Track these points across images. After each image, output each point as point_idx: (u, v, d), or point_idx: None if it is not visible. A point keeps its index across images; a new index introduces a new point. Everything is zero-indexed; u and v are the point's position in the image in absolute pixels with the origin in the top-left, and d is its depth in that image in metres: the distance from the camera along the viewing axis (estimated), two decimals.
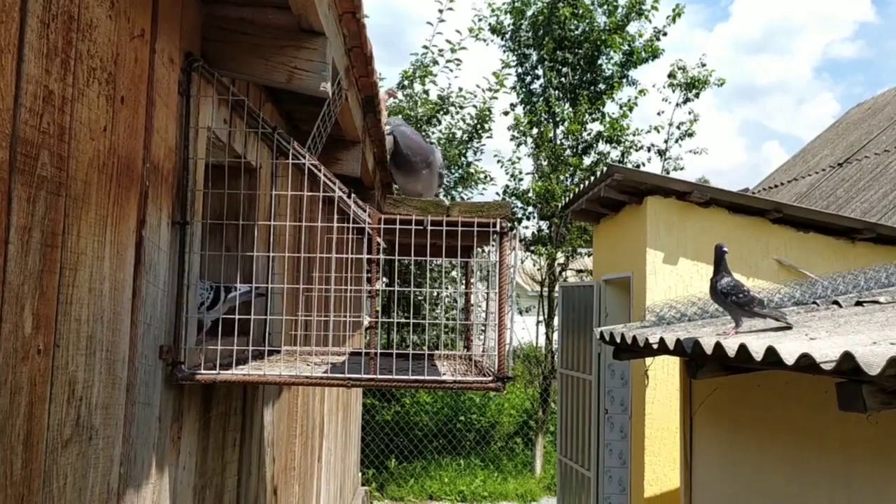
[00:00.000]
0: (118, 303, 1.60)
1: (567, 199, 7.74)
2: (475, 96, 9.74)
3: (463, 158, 10.73)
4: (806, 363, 2.46)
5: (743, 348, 2.84)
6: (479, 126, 10.37)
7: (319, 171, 1.97)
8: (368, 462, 10.53)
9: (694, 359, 3.52)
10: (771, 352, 2.65)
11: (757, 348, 2.77)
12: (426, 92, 9.43)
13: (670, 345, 3.60)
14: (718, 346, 3.05)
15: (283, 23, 2.08)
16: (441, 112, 9.35)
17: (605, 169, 5.97)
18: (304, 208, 2.13)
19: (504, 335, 1.92)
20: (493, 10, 12.20)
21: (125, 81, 1.59)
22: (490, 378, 1.93)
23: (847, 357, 2.20)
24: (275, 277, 3.04)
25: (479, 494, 10.27)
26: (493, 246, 1.93)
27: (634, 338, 4.06)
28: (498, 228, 1.94)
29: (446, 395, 11.89)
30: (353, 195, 1.94)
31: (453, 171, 10.55)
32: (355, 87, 2.89)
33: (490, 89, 9.84)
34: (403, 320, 8.42)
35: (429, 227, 1.93)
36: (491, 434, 12.25)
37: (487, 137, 10.78)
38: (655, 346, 3.78)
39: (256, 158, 2.56)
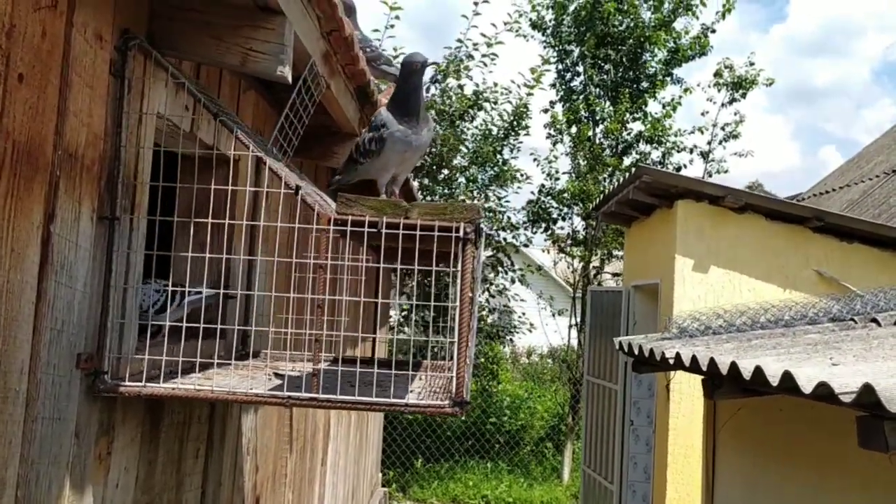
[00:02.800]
0: (13, 307, 1.42)
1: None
2: (510, 92, 9.47)
3: (499, 156, 10.47)
4: (824, 392, 2.18)
5: (759, 371, 2.56)
6: (515, 123, 10.10)
7: (264, 163, 1.76)
8: (391, 462, 10.36)
9: (710, 378, 3.26)
10: (787, 377, 2.38)
11: (773, 372, 2.50)
12: (461, 87, 9.19)
13: (686, 361, 3.33)
14: (734, 366, 2.78)
15: (240, 1, 1.88)
16: (475, 108, 9.09)
17: (633, 170, 5.68)
18: (261, 205, 1.93)
19: (464, 353, 1.70)
20: (533, 6, 11.92)
21: (25, 57, 1.41)
22: (447, 402, 1.71)
23: (867, 390, 1.93)
24: (262, 277, 2.86)
25: (503, 500, 10.02)
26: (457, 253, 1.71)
27: (651, 351, 3.79)
28: (461, 234, 1.71)
29: (477, 395, 11.64)
30: (300, 191, 1.74)
31: (487, 168, 10.30)
32: (342, 75, 2.68)
33: (526, 85, 9.55)
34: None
35: (383, 231, 1.71)
36: (521, 437, 11.98)
37: (525, 135, 10.51)
38: (672, 362, 3.51)
39: (232, 150, 2.37)
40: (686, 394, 5.35)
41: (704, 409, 4.51)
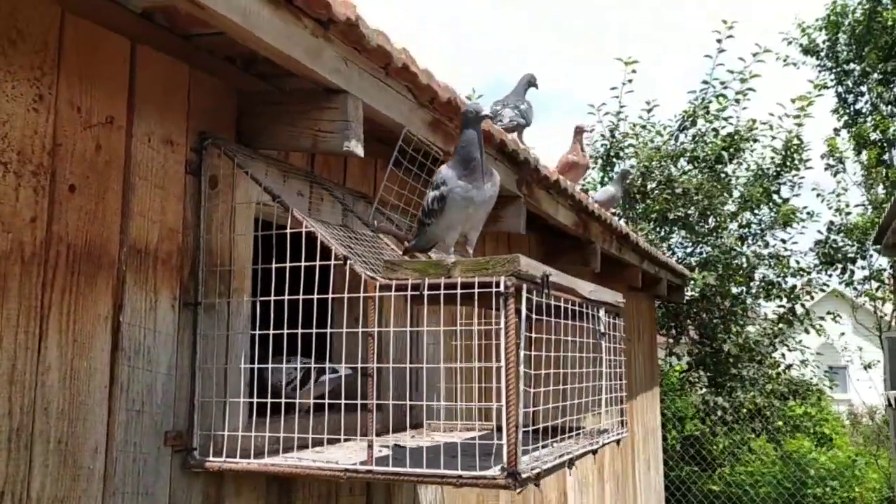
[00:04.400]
0: (79, 391, 1.59)
1: None
2: (770, 127, 8.70)
3: (775, 196, 9.63)
4: None
5: None
6: (787, 158, 9.25)
7: (315, 237, 1.79)
8: None
9: None
10: None
11: None
12: (715, 130, 8.65)
13: None
14: None
15: (309, 86, 1.98)
16: (732, 149, 8.48)
17: None
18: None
19: (513, 416, 1.55)
20: (803, 30, 10.99)
21: (76, 170, 1.60)
22: (500, 473, 1.56)
23: None
24: (430, 348, 2.89)
25: None
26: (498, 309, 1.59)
27: None
28: (502, 289, 1.59)
29: (791, 461, 10.43)
30: (348, 262, 1.74)
31: (762, 211, 9.48)
32: None
33: (790, 115, 8.72)
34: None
35: (425, 293, 1.64)
36: None
37: (807, 168, 9.57)
38: None
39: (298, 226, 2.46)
40: None
41: None
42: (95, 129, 1.65)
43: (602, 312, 2.23)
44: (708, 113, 8.43)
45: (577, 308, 2.13)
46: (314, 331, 1.91)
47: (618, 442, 2.51)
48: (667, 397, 10.28)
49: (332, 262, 1.76)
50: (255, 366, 2.04)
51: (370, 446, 1.67)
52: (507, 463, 1.55)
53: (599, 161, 8.85)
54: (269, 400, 2.03)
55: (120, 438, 1.67)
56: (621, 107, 8.66)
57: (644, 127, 9.16)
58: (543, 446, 2.07)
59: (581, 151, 4.34)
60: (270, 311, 1.98)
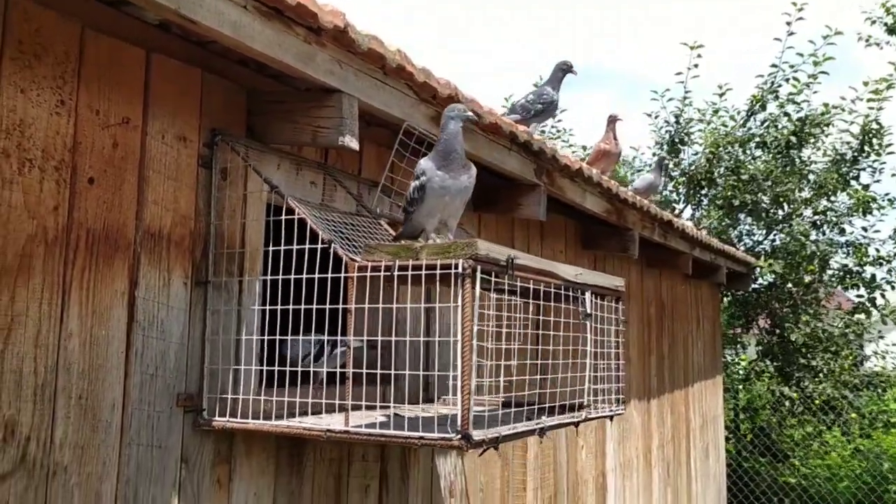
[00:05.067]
0: (98, 355, 1.85)
1: None
2: (842, 110, 8.46)
3: (853, 182, 9.36)
4: None
5: None
6: (865, 143, 8.98)
7: (305, 223, 2.00)
8: None
9: None
10: None
11: None
12: (786, 114, 8.47)
13: None
14: None
15: (308, 86, 2.19)
16: (801, 133, 8.30)
17: None
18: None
19: (467, 384, 1.73)
20: (888, 10, 10.58)
21: (95, 165, 1.86)
22: (455, 435, 1.74)
23: None
24: (444, 326, 3.08)
25: None
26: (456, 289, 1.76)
27: None
28: (460, 270, 1.77)
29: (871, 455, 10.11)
30: (332, 245, 1.93)
31: (835, 198, 9.23)
32: (476, 132, 2.84)
33: (869, 99, 8.45)
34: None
35: (396, 273, 1.83)
36: None
37: (888, 154, 9.27)
38: None
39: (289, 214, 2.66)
40: None
41: None
42: (113, 128, 1.90)
43: (588, 295, 2.36)
44: (777, 97, 8.26)
45: (563, 292, 2.27)
46: (314, 307, 2.11)
47: (611, 418, 2.64)
48: (736, 387, 10.15)
49: (319, 246, 1.96)
50: (265, 337, 2.28)
51: (347, 410, 1.87)
52: (461, 426, 1.73)
53: (665, 147, 8.80)
54: (276, 368, 2.26)
55: (135, 397, 1.93)
56: (686, 92, 8.60)
57: (716, 112, 9.05)
58: (525, 417, 2.24)
59: (614, 140, 4.41)
60: (290, 289, 2.20)
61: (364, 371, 2.21)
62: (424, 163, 2.09)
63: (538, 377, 2.62)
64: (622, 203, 4.21)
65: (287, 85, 2.33)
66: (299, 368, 2.40)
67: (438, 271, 1.79)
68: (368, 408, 2.49)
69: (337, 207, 2.58)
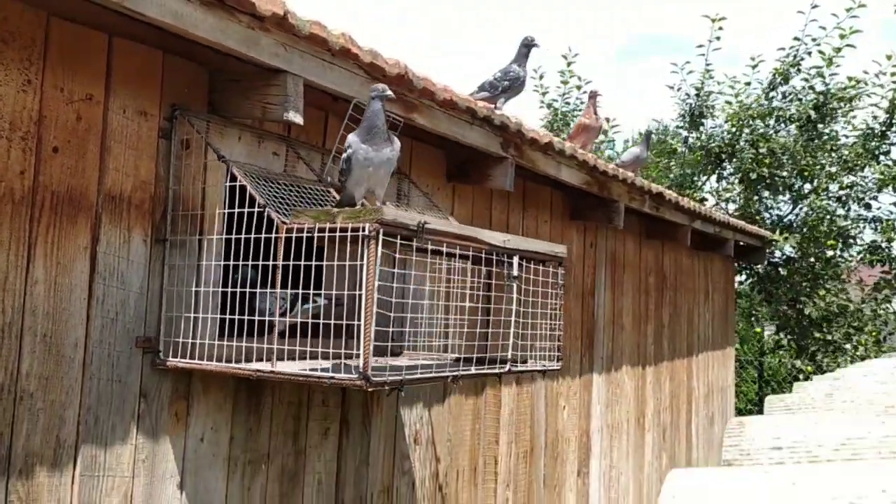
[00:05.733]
0: (62, 300, 2.15)
1: None
2: (865, 84, 8.37)
3: (883, 157, 9.28)
4: None
5: None
6: (893, 117, 8.88)
7: (247, 190, 2.27)
8: None
9: None
10: None
11: None
12: (811, 88, 8.42)
13: None
14: None
15: (259, 66, 2.44)
16: (824, 108, 8.25)
17: None
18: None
19: (368, 332, 1.98)
20: None
21: (60, 135, 2.14)
22: (356, 375, 2.00)
23: None
24: (416, 290, 3.34)
25: None
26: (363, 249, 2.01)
27: None
28: (366, 232, 2.01)
29: None
30: (266, 209, 2.19)
31: (862, 173, 9.17)
32: (435, 107, 3.06)
33: (893, 73, 8.34)
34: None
35: (316, 234, 2.09)
36: None
37: None
38: None
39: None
40: None
41: None
42: (76, 104, 2.18)
43: (516, 259, 2.59)
44: (800, 71, 8.23)
45: (493, 256, 2.51)
46: (262, 263, 2.39)
47: (543, 373, 2.87)
48: (759, 360, 10.23)
49: (256, 210, 2.22)
50: (227, 290, 2.56)
51: (272, 358, 2.15)
52: (362, 368, 1.99)
53: (687, 119, 8.84)
54: (226, 316, 2.54)
55: (96, 338, 2.23)
56: (707, 65, 8.60)
57: (747, 83, 9.02)
58: (435, 366, 2.48)
59: (594, 115, 4.57)
60: (251, 247, 2.48)
61: (321, 323, 2.48)
62: (351, 137, 2.33)
63: (489, 332, 2.87)
64: (603, 175, 4.38)
65: (246, 65, 2.58)
66: (263, 318, 2.68)
67: (349, 234, 2.03)
68: (324, 357, 2.77)
69: (301, 176, 2.84)
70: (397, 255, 2.24)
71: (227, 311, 2.58)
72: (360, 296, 2.00)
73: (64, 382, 2.16)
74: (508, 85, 3.47)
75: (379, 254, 1.99)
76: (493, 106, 3.39)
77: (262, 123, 2.73)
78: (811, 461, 5.28)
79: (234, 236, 2.29)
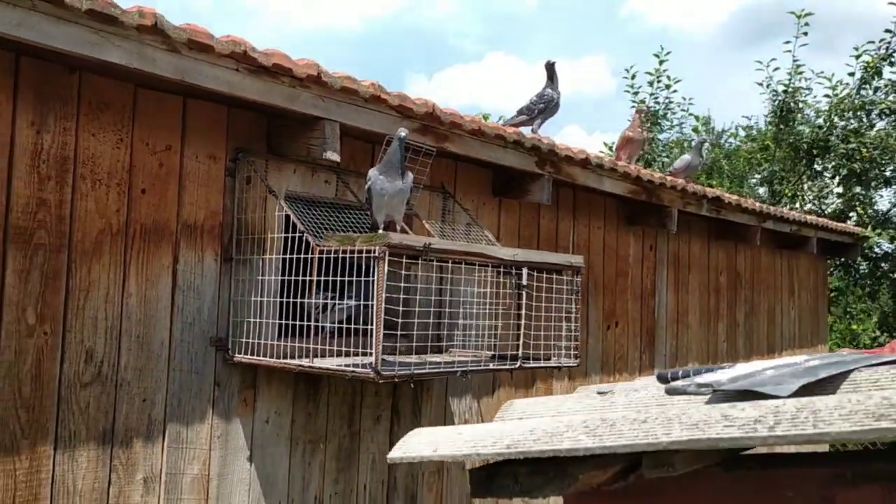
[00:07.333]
0: (150, 308, 2.74)
1: None
2: None
3: None
4: None
5: None
6: None
7: (288, 217, 2.79)
8: None
9: None
10: None
11: None
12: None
13: None
14: None
15: (302, 116, 2.97)
16: None
17: None
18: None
19: (379, 335, 2.46)
20: None
21: (146, 179, 2.74)
22: (369, 370, 2.48)
23: None
24: (463, 292, 3.80)
25: None
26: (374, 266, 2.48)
27: None
28: (376, 253, 2.49)
29: None
30: (304, 234, 2.70)
31: None
32: (465, 136, 3.49)
33: None
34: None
35: (341, 256, 2.58)
36: None
37: None
38: None
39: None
40: None
41: None
42: (158, 154, 2.78)
43: (525, 271, 2.99)
44: (893, 64, 8.07)
45: (503, 269, 2.93)
46: (312, 278, 2.91)
47: (559, 368, 3.25)
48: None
49: (297, 234, 2.74)
50: (282, 300, 3.11)
51: (314, 356, 2.66)
52: (374, 364, 2.47)
53: (776, 115, 8.82)
54: (283, 321, 3.08)
55: (178, 338, 2.82)
56: (794, 61, 8.56)
57: (850, 74, 8.89)
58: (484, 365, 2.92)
59: (639, 128, 4.85)
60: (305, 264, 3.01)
61: (352, 326, 2.98)
62: (371, 171, 2.81)
63: (521, 334, 3.29)
64: (650, 184, 4.68)
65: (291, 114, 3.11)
66: (312, 323, 3.21)
67: (365, 255, 2.51)
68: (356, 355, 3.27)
69: (351, 201, 3.36)
70: (436, 265, 2.70)
71: (285, 317, 3.12)
72: (372, 305, 2.48)
73: (153, 373, 2.76)
74: (544, 107, 3.86)
75: (385, 271, 2.47)
76: (529, 128, 3.78)
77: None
78: None
79: (282, 256, 2.82)
